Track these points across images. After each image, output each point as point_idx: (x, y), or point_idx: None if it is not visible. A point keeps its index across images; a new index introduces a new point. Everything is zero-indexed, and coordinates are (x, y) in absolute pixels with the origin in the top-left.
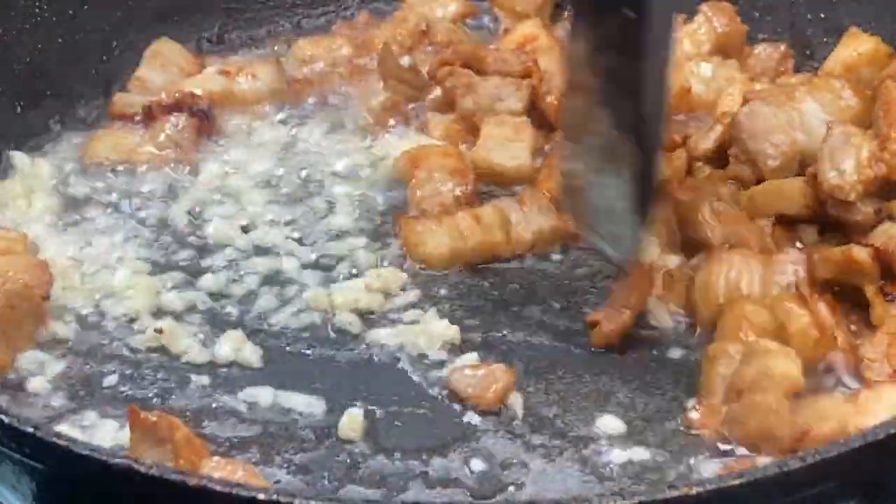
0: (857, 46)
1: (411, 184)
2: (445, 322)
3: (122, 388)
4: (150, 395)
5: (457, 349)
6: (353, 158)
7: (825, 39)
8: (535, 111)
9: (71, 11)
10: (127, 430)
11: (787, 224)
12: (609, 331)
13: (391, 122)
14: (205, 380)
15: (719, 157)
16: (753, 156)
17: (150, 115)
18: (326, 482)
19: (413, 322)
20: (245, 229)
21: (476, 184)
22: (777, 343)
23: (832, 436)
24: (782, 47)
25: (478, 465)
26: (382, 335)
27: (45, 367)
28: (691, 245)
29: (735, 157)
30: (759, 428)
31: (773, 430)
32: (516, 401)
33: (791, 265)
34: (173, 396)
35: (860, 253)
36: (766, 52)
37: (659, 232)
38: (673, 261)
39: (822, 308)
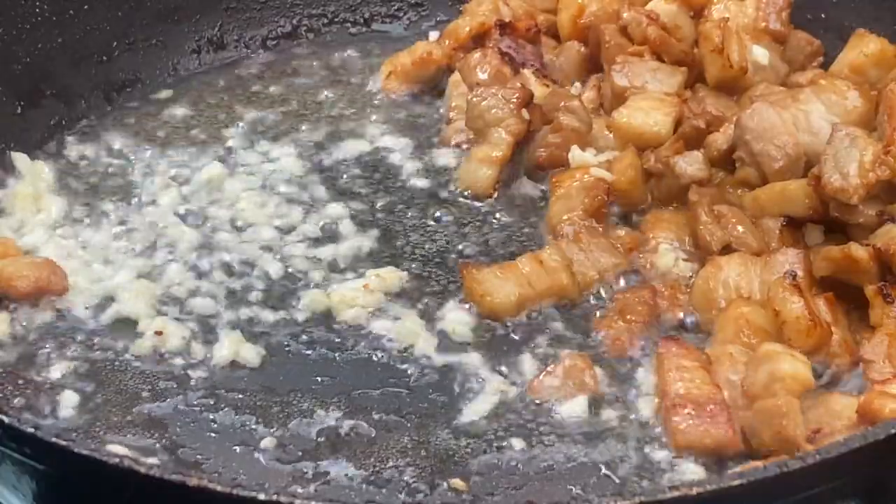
0: (863, 48)
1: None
2: (446, 322)
3: (122, 389)
4: (151, 395)
5: (458, 350)
6: None
7: (826, 39)
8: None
9: (71, 11)
10: (127, 431)
11: (795, 225)
12: (615, 339)
13: None
14: (204, 380)
15: (731, 161)
16: (758, 157)
17: None
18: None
19: (413, 322)
20: (243, 229)
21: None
22: (782, 345)
23: (844, 433)
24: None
25: (477, 465)
26: (382, 335)
27: (48, 369)
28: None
29: (740, 159)
30: (773, 433)
31: (786, 431)
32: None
33: (789, 265)
34: (174, 397)
35: (859, 251)
36: (799, 44)
37: (674, 240)
38: (687, 269)
39: (819, 302)
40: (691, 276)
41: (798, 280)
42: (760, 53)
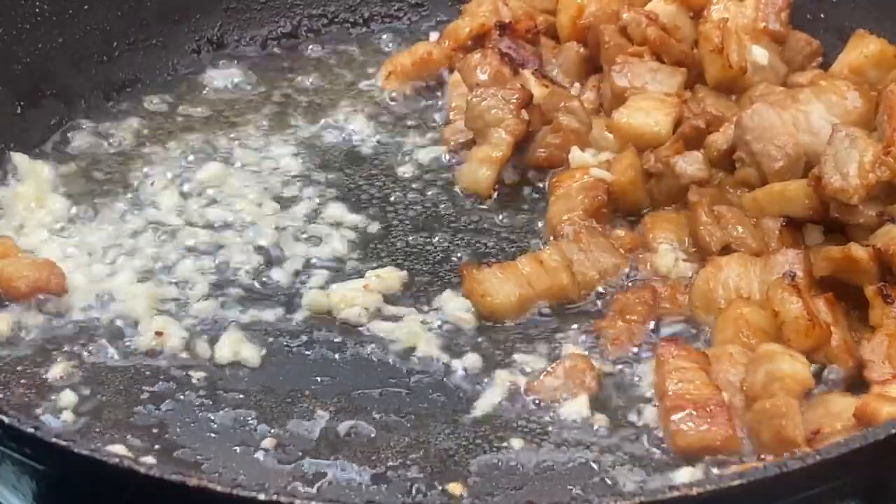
0: (863, 48)
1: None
2: (446, 322)
3: (122, 389)
4: (151, 395)
5: (458, 351)
6: None
7: (826, 39)
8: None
9: (71, 11)
10: (127, 431)
11: (795, 225)
12: (615, 339)
13: None
14: (204, 380)
15: (731, 161)
16: (758, 157)
17: None
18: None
19: (413, 322)
20: (243, 229)
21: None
22: (781, 346)
23: (843, 434)
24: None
25: (477, 465)
26: (382, 335)
27: (48, 369)
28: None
29: (740, 159)
30: (773, 433)
31: (786, 432)
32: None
33: (788, 265)
34: (174, 397)
35: (859, 251)
36: (798, 44)
37: (674, 240)
38: (687, 269)
39: (818, 303)
40: (691, 277)
41: (797, 280)
42: (760, 54)
